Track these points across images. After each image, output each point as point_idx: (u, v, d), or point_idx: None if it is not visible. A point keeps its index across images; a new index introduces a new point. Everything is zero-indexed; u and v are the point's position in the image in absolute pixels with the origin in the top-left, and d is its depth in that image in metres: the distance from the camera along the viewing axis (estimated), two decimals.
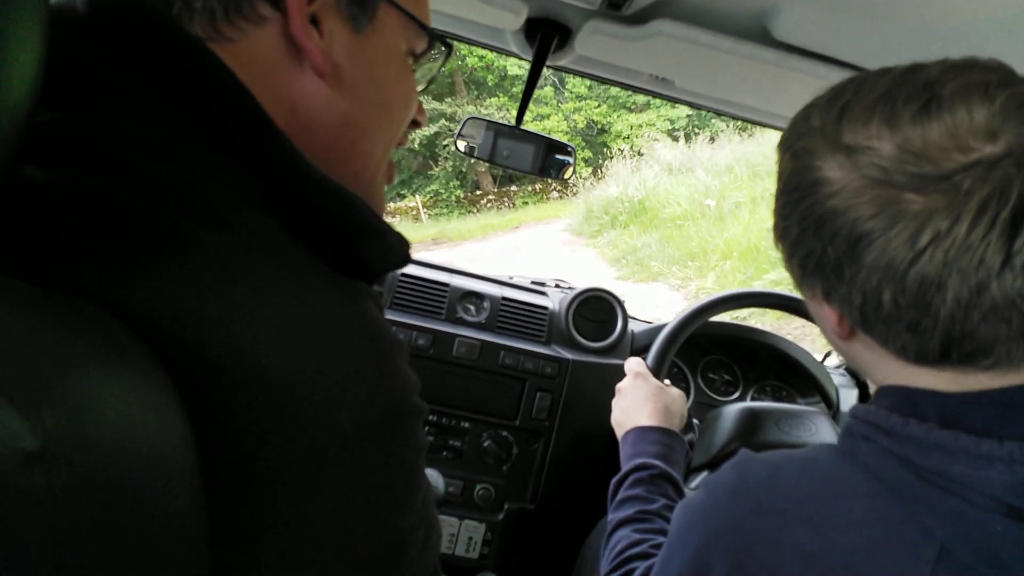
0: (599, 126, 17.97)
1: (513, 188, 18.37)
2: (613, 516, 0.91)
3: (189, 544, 0.33)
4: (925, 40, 0.75)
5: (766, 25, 0.82)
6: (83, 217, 0.37)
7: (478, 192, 18.51)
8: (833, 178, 0.51)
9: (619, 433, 1.07)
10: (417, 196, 17.86)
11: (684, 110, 16.80)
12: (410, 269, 1.53)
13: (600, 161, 15.32)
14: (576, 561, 1.33)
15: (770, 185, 8.22)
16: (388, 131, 0.57)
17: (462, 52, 17.61)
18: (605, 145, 17.47)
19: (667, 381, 1.18)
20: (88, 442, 0.28)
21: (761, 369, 1.70)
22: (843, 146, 0.50)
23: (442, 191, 17.95)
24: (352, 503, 0.41)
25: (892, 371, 0.56)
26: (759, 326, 1.70)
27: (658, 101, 16.82)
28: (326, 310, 0.42)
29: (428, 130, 16.85)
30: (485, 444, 1.46)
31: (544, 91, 17.88)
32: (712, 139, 12.31)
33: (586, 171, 15.78)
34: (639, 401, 1.08)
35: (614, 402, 1.13)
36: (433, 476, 0.98)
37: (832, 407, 1.49)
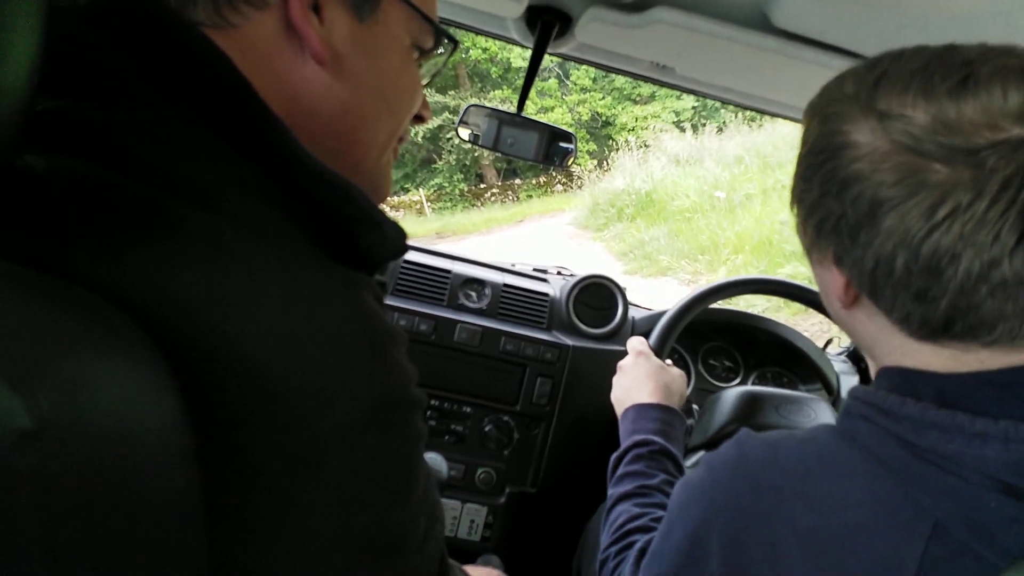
0: (603, 118, 17.79)
1: (517, 181, 18.20)
2: (613, 491, 0.92)
3: (184, 526, 0.33)
4: (924, 27, 0.75)
5: (766, 12, 0.82)
6: (78, 203, 0.37)
7: (482, 185, 18.31)
8: (861, 142, 0.51)
9: (619, 410, 1.07)
10: (421, 190, 17.67)
11: (690, 102, 16.62)
12: (412, 256, 1.54)
13: (606, 153, 15.15)
14: (577, 544, 1.34)
15: (782, 176, 8.12)
16: (389, 122, 0.57)
17: (466, 44, 17.43)
18: (610, 137, 17.28)
19: (668, 362, 1.19)
20: (82, 422, 0.28)
21: (762, 355, 1.70)
22: (876, 111, 0.51)
23: (446, 184, 17.77)
24: (349, 494, 0.41)
25: (893, 346, 0.56)
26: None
27: (663, 93, 16.69)
28: (321, 299, 0.41)
29: (432, 123, 16.64)
30: (486, 429, 1.47)
31: (548, 83, 17.73)
32: (720, 130, 12.10)
33: (591, 163, 15.67)
34: (640, 379, 1.08)
35: (615, 379, 1.13)
36: (437, 460, 0.99)
37: (833, 394, 1.50)
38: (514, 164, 18.45)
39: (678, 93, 16.61)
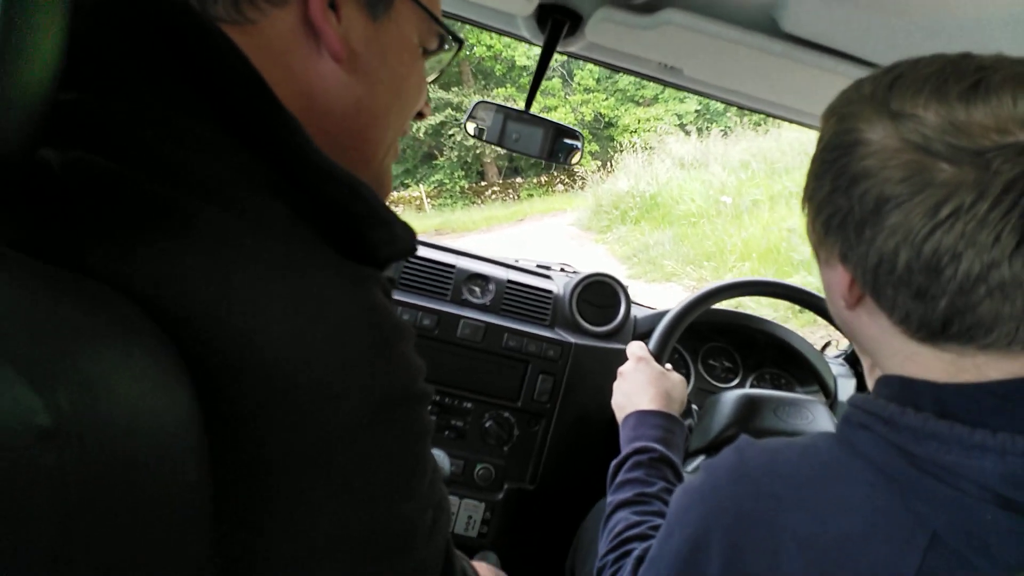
0: (606, 119, 17.70)
1: (518, 180, 18.10)
2: (612, 498, 0.92)
3: (194, 522, 0.34)
4: (931, 35, 0.75)
5: (774, 17, 0.83)
6: (91, 197, 0.38)
7: (483, 183, 18.17)
8: (873, 139, 0.52)
9: (620, 416, 1.07)
10: (421, 186, 17.54)
11: (692, 105, 16.56)
12: (416, 252, 1.53)
13: (610, 154, 15.02)
14: (572, 542, 1.35)
15: (790, 183, 8.05)
16: (398, 119, 0.58)
17: (470, 42, 17.39)
18: (612, 139, 17.22)
19: (668, 366, 1.20)
20: (100, 420, 0.28)
21: (761, 357, 1.71)
22: (889, 111, 0.52)
23: (447, 181, 17.66)
24: (357, 489, 0.41)
25: (894, 348, 0.56)
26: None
27: (666, 95, 16.63)
28: (331, 294, 0.41)
29: (434, 119, 16.52)
30: (487, 424, 1.48)
31: (552, 83, 17.65)
32: (725, 134, 11.95)
33: (593, 164, 15.62)
34: (641, 385, 1.08)
35: (615, 385, 1.13)
36: (439, 456, 0.99)
37: (830, 396, 1.50)
38: (516, 162, 18.40)
39: (681, 96, 16.63)
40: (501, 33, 1.18)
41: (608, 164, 13.19)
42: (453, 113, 16.53)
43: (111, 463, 0.28)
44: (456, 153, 17.43)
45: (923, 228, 0.48)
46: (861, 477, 0.54)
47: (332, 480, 0.40)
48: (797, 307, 1.34)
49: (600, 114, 17.67)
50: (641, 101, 17.72)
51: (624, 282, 1.61)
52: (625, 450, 0.98)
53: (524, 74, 17.64)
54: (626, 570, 0.77)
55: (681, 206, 9.03)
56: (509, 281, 1.55)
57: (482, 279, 1.54)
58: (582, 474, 1.50)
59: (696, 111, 16.71)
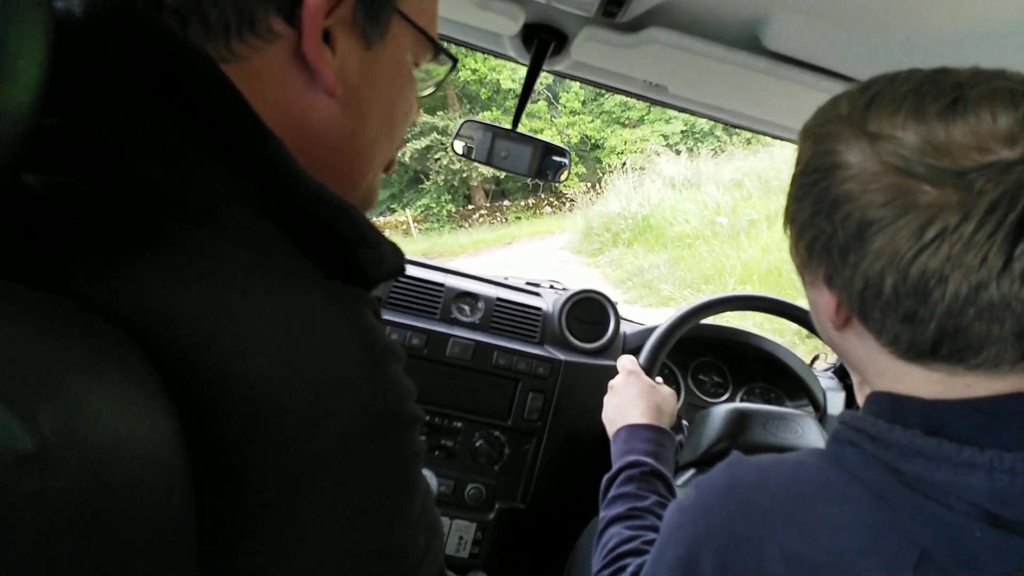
0: (593, 141, 17.77)
1: (506, 203, 18.06)
2: (605, 513, 0.91)
3: (178, 546, 0.33)
4: (909, 50, 0.76)
5: (757, 34, 0.84)
6: (76, 221, 0.37)
7: (470, 207, 18.08)
8: (852, 162, 0.51)
9: (610, 430, 1.07)
10: (408, 210, 17.37)
11: (678, 125, 16.66)
12: (406, 269, 1.53)
13: (599, 176, 15.02)
14: (567, 561, 1.34)
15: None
16: (389, 139, 0.57)
17: None
18: (599, 160, 17.27)
19: (659, 380, 1.20)
20: (82, 445, 0.28)
21: (750, 372, 1.72)
22: (867, 133, 0.51)
23: (433, 205, 17.53)
24: (345, 511, 0.41)
25: (883, 368, 0.56)
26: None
27: (652, 117, 16.74)
28: (319, 315, 0.41)
29: (420, 143, 16.47)
30: (477, 444, 1.47)
31: (538, 105, 17.72)
32: (715, 153, 11.85)
33: (581, 186, 15.67)
34: (631, 399, 1.08)
35: (606, 399, 1.13)
36: (427, 476, 0.99)
37: (819, 410, 1.51)
38: (503, 185, 18.42)
39: (667, 117, 16.73)
40: (487, 53, 1.19)
41: (597, 186, 13.12)
42: (439, 137, 16.46)
43: (93, 488, 0.28)
44: (443, 177, 17.35)
45: (908, 251, 0.48)
46: (850, 494, 0.53)
47: (320, 503, 0.39)
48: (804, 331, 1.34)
49: (586, 136, 17.75)
50: (627, 123, 17.83)
51: (613, 299, 1.61)
52: (616, 464, 0.98)
53: (510, 97, 17.69)
54: None
55: (675, 227, 8.80)
56: (498, 299, 1.56)
57: (471, 297, 1.54)
58: (574, 492, 1.49)
59: (682, 131, 16.79)
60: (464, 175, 17.09)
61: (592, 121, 17.86)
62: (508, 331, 1.53)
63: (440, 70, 0.61)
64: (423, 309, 1.49)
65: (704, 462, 1.21)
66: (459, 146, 1.31)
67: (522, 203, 17.92)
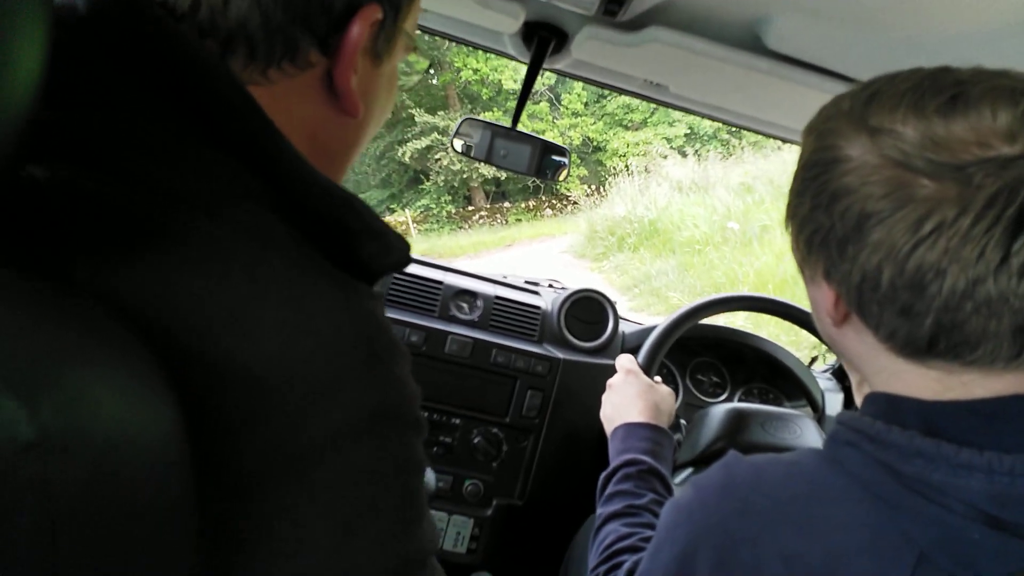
0: (595, 143, 17.65)
1: (506, 204, 18.00)
2: (602, 511, 0.91)
3: (179, 535, 0.33)
4: (912, 51, 0.76)
5: (759, 34, 0.84)
6: (79, 212, 0.37)
7: (470, 208, 17.96)
8: (852, 156, 0.51)
9: (608, 428, 1.07)
10: (407, 211, 17.23)
11: (682, 128, 16.57)
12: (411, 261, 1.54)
13: (602, 178, 14.75)
14: (563, 558, 1.34)
15: None
16: (374, 131, 0.59)
17: (456, 65, 17.47)
18: (601, 163, 17.19)
19: (657, 379, 1.20)
20: (84, 432, 0.28)
21: (749, 372, 1.72)
22: (868, 127, 0.51)
23: (433, 206, 17.44)
24: (343, 515, 0.40)
25: (880, 366, 0.56)
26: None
27: (655, 119, 16.68)
28: (323, 307, 0.41)
29: (420, 143, 16.37)
30: (475, 441, 1.47)
31: (540, 106, 17.66)
32: (724, 156, 11.58)
33: (584, 188, 15.59)
34: (629, 397, 1.08)
35: (604, 397, 1.13)
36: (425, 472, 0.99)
37: (818, 411, 1.51)
38: (503, 187, 18.37)
39: (670, 120, 16.69)
40: (487, 51, 1.19)
41: (601, 188, 12.89)
42: (439, 137, 16.32)
43: (96, 476, 0.28)
44: (443, 178, 17.22)
45: (906, 244, 0.48)
46: (848, 495, 0.53)
47: (316, 498, 0.39)
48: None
49: (588, 138, 17.66)
50: (630, 125, 17.73)
51: (612, 298, 1.61)
52: (614, 462, 0.98)
53: (511, 98, 17.53)
54: None
55: (684, 232, 8.51)
56: (497, 297, 1.56)
57: (470, 295, 1.54)
58: (571, 490, 1.49)
59: (686, 135, 16.72)
60: (464, 176, 17.03)
61: (594, 123, 17.78)
62: (507, 329, 1.53)
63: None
64: (422, 306, 1.50)
65: (702, 461, 1.21)
66: (458, 144, 1.31)
67: (522, 205, 17.87)
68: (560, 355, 1.50)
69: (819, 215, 0.55)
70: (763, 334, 1.71)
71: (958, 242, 0.46)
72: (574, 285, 1.65)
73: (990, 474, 0.48)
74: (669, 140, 16.56)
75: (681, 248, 8.25)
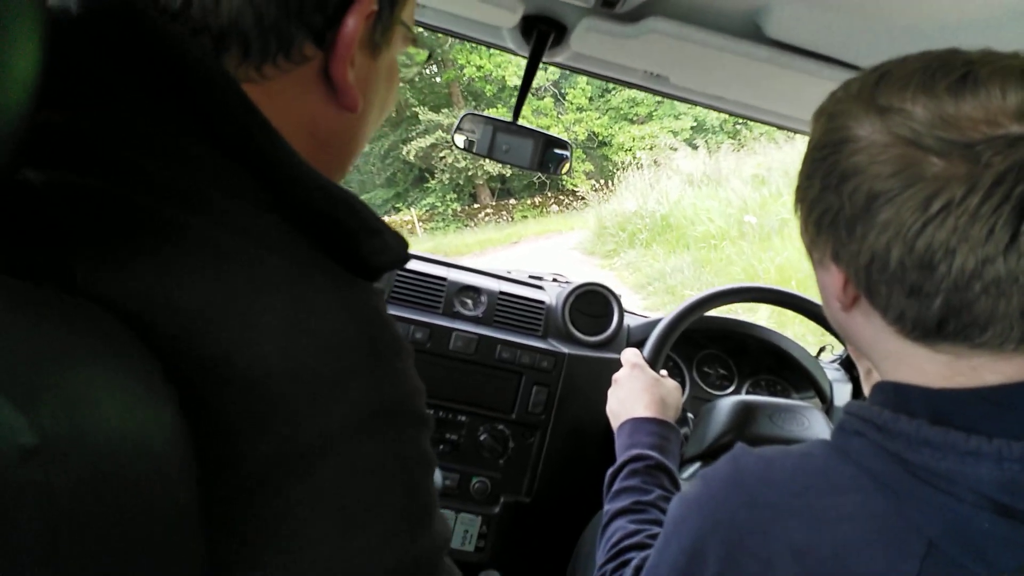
0: (600, 138, 17.60)
1: (512, 201, 17.98)
2: (609, 507, 0.91)
3: (185, 539, 0.33)
4: (913, 37, 0.76)
5: (758, 23, 0.83)
6: (77, 215, 0.37)
7: (476, 205, 17.94)
8: (861, 135, 0.51)
9: (615, 423, 1.07)
10: (412, 209, 17.28)
11: (687, 121, 16.48)
12: (408, 263, 1.54)
13: (610, 172, 14.61)
14: (571, 555, 1.34)
15: None
16: (376, 126, 0.58)
17: (460, 63, 17.49)
18: (606, 158, 17.16)
19: (664, 372, 1.20)
20: (84, 437, 0.28)
21: (756, 363, 1.71)
22: (877, 107, 0.51)
23: (439, 204, 17.43)
24: (347, 514, 0.40)
25: (890, 350, 0.56)
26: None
27: (660, 113, 16.65)
28: (324, 306, 0.41)
29: (424, 141, 16.35)
30: (482, 437, 1.47)
31: (544, 102, 17.63)
32: (736, 148, 11.34)
33: (590, 183, 15.59)
34: (635, 392, 1.08)
35: (610, 392, 1.13)
36: None
37: (826, 402, 1.50)
38: (508, 184, 18.37)
39: (676, 113, 16.65)
40: (487, 45, 1.19)
41: (609, 183, 12.72)
42: (444, 135, 16.22)
43: (97, 481, 0.28)
44: (448, 175, 17.18)
45: (915, 223, 0.48)
46: (856, 485, 0.53)
47: (320, 498, 0.39)
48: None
49: (594, 133, 17.61)
50: (635, 119, 17.65)
51: (617, 292, 1.61)
52: (621, 458, 0.98)
53: (515, 94, 17.35)
54: None
55: (698, 227, 8.15)
56: (501, 292, 1.55)
57: (474, 291, 1.54)
58: (578, 485, 1.49)
59: (692, 127, 16.65)
60: (470, 173, 17.03)
61: (599, 118, 17.73)
62: (511, 325, 1.53)
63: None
64: (426, 303, 1.49)
65: (710, 455, 1.20)
66: (460, 140, 1.31)
67: (528, 201, 17.85)
68: (565, 350, 1.50)
69: (828, 196, 0.54)
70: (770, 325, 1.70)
71: (967, 221, 0.46)
72: (578, 279, 1.65)
73: (999, 462, 0.47)
74: (675, 133, 16.48)
75: (696, 243, 7.95)
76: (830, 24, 0.79)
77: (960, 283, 0.48)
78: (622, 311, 1.59)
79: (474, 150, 1.30)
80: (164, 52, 0.42)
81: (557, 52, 1.08)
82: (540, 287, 1.65)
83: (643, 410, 1.04)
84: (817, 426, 1.20)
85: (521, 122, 1.30)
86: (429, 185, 17.91)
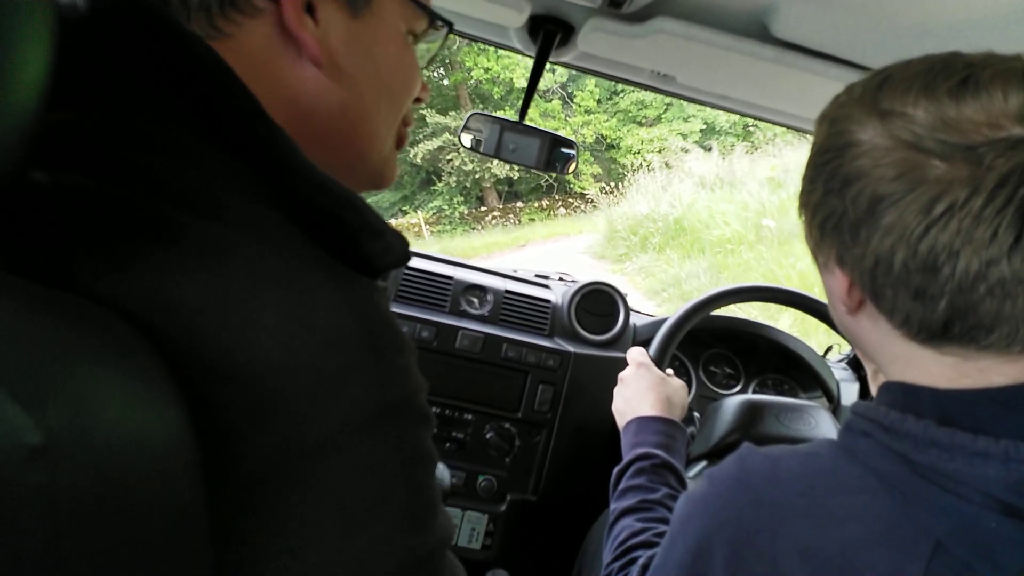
0: (608, 141, 17.45)
1: (519, 204, 17.93)
2: (616, 505, 0.91)
3: (190, 539, 0.33)
4: (921, 37, 0.76)
5: (765, 22, 0.83)
6: (80, 216, 0.37)
7: (483, 208, 17.80)
8: (864, 139, 0.52)
9: (621, 422, 1.07)
10: (419, 212, 17.11)
11: (696, 124, 16.40)
12: (414, 262, 1.54)
13: (620, 174, 14.45)
14: (578, 553, 1.34)
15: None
16: (390, 112, 0.57)
17: (467, 65, 17.47)
18: (615, 161, 17.06)
19: (670, 372, 1.20)
20: (90, 437, 0.28)
21: (762, 363, 1.71)
22: (879, 111, 0.51)
23: (446, 207, 17.28)
24: (350, 512, 0.40)
25: (896, 352, 0.56)
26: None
27: (669, 115, 16.52)
28: (325, 304, 0.41)
29: (432, 144, 16.26)
30: (488, 436, 1.47)
31: (552, 104, 17.54)
32: (750, 149, 11.16)
33: (599, 186, 15.52)
34: (641, 391, 1.08)
35: (616, 391, 1.13)
36: (439, 469, 0.99)
37: (833, 401, 1.50)
38: (515, 187, 18.29)
39: (685, 115, 16.54)
40: (493, 45, 1.19)
41: (619, 186, 12.40)
42: (451, 138, 16.07)
43: (102, 481, 0.28)
44: (455, 178, 17.04)
45: (918, 226, 0.48)
46: (863, 485, 0.53)
47: (323, 495, 0.39)
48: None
49: (602, 136, 17.48)
50: (644, 121, 17.52)
51: (623, 290, 1.61)
52: (627, 456, 0.97)
53: (523, 96, 17.52)
54: None
55: (713, 231, 7.91)
56: (507, 291, 1.56)
57: (480, 290, 1.54)
58: (584, 484, 1.49)
59: (701, 130, 16.50)
60: (477, 176, 16.96)
61: (608, 120, 17.62)
62: (517, 323, 1.53)
63: (434, 46, 0.61)
64: (432, 302, 1.50)
65: (716, 454, 1.20)
66: (467, 139, 1.31)
67: (535, 204, 17.76)
68: (571, 349, 1.50)
69: (832, 200, 0.55)
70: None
71: (970, 223, 0.46)
72: (584, 278, 1.65)
73: (1007, 462, 0.47)
74: (684, 136, 16.36)
75: (711, 248, 7.71)
76: (837, 24, 0.79)
77: (965, 285, 0.48)
78: (628, 310, 1.59)
79: (481, 150, 1.30)
80: (170, 48, 0.42)
81: (564, 52, 1.08)
82: (546, 286, 1.65)
83: (649, 409, 1.04)
84: (824, 426, 1.20)
85: (528, 124, 1.30)
86: (436, 188, 17.81)
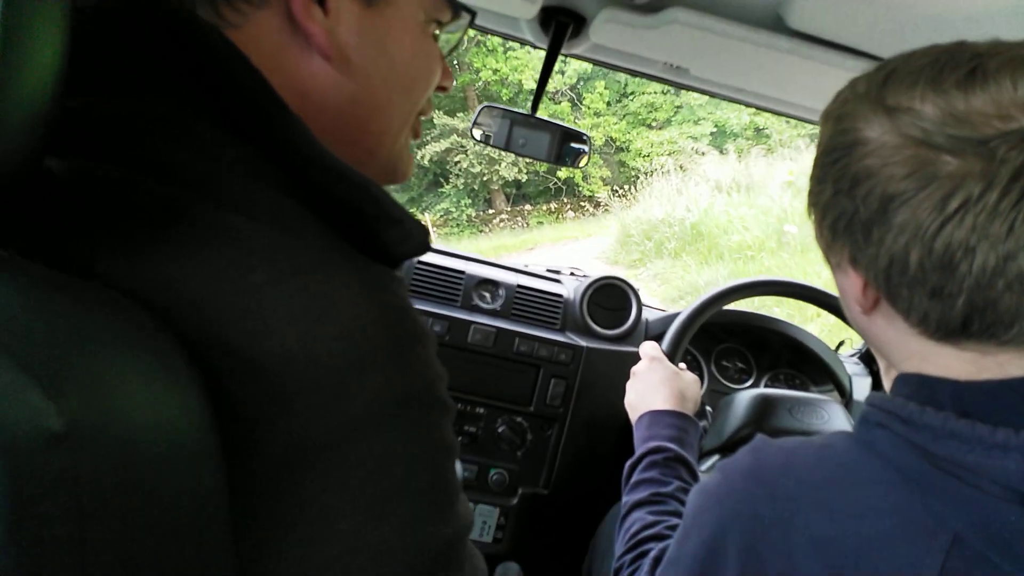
0: (618, 143, 17.26)
1: (527, 207, 17.89)
2: (628, 498, 0.91)
3: (211, 525, 0.33)
4: (938, 28, 0.75)
5: (780, 13, 0.83)
6: (98, 203, 0.37)
7: (490, 211, 17.66)
8: (871, 137, 0.51)
9: (633, 416, 1.07)
10: (427, 215, 16.90)
11: (707, 127, 16.27)
12: (426, 256, 1.54)
13: (630, 177, 14.28)
14: (589, 546, 1.34)
15: None
16: (404, 105, 0.56)
17: (475, 66, 17.51)
18: (624, 164, 16.92)
19: (682, 365, 1.19)
20: (111, 422, 0.28)
21: (774, 357, 1.70)
22: (886, 107, 0.50)
23: (453, 209, 17.05)
24: (372, 501, 0.39)
25: (913, 350, 0.55)
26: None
27: (680, 118, 16.37)
28: (345, 293, 0.40)
29: (439, 146, 16.13)
30: (500, 430, 1.48)
31: (561, 106, 17.43)
32: (768, 151, 10.87)
33: (606, 190, 15.48)
34: (654, 385, 1.08)
35: (629, 385, 1.13)
36: None
37: (845, 395, 1.49)
38: (524, 189, 18.25)
39: (696, 118, 16.43)
40: (505, 37, 1.18)
41: (632, 189, 12.11)
42: (459, 140, 15.97)
43: (124, 466, 0.29)
44: (463, 181, 16.87)
45: (932, 224, 0.47)
46: (879, 477, 0.53)
47: (344, 485, 0.38)
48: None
49: (611, 138, 17.26)
50: (653, 124, 17.28)
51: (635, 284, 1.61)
52: (639, 450, 0.97)
53: (531, 98, 17.45)
54: (643, 571, 0.76)
55: (732, 236, 7.64)
56: (519, 286, 1.56)
57: (492, 284, 1.54)
58: (596, 478, 1.49)
59: (711, 133, 16.37)
60: (484, 178, 16.87)
61: (617, 123, 17.44)
62: (529, 318, 1.53)
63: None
64: (444, 296, 1.50)
65: (729, 448, 1.20)
66: (477, 133, 1.31)
67: (543, 207, 17.64)
68: (583, 343, 1.50)
69: (842, 200, 0.54)
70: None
71: (986, 218, 0.45)
72: (596, 272, 1.65)
73: None
74: (695, 139, 16.25)
75: (731, 254, 7.42)
76: (853, 14, 0.78)
77: (982, 281, 0.47)
78: (640, 304, 1.59)
79: (491, 143, 1.30)
80: (186, 37, 0.42)
81: (576, 44, 1.07)
82: (558, 280, 1.65)
83: (662, 403, 1.04)
84: (836, 419, 1.20)
85: (540, 116, 1.30)
86: (444, 190, 17.69)
